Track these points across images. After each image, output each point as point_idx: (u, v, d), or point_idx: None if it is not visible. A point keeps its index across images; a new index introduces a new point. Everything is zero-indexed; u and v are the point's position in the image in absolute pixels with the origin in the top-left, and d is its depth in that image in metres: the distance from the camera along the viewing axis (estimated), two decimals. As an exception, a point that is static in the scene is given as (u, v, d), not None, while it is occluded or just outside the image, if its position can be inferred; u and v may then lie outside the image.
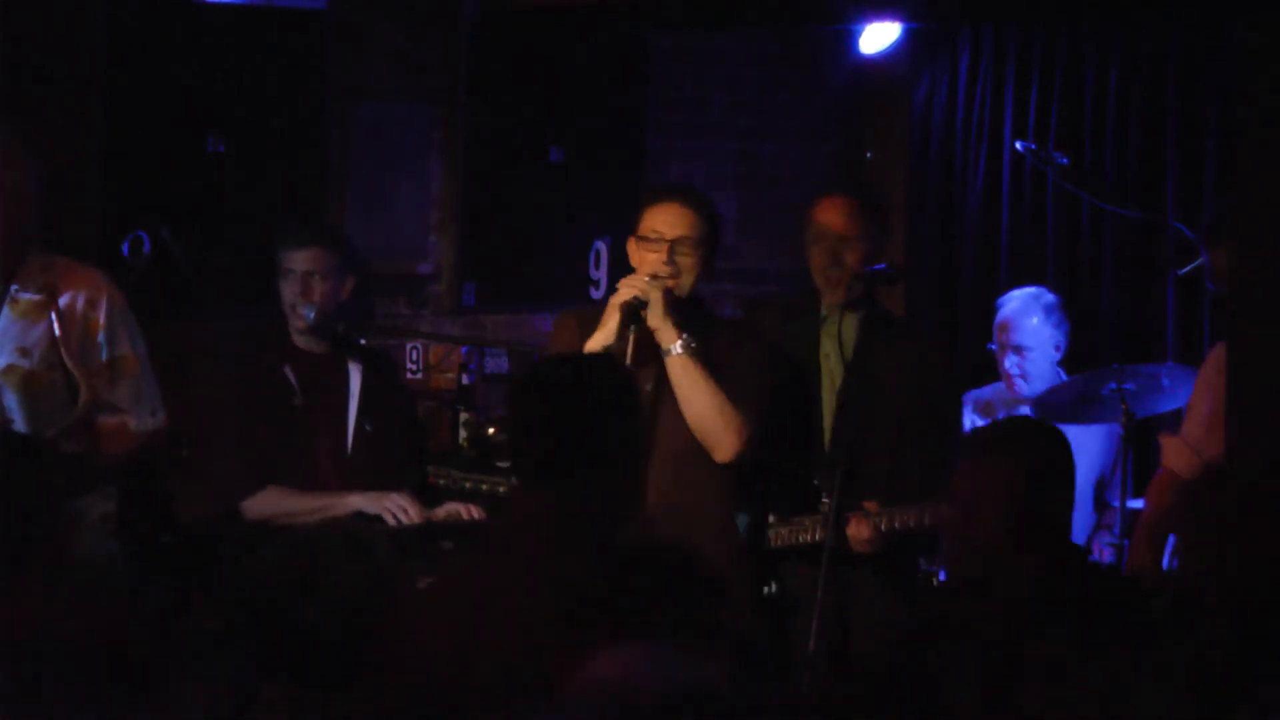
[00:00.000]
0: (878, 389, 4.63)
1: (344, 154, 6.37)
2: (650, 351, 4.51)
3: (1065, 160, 6.51)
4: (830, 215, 4.79)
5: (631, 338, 4.45)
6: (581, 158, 6.76)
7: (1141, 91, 6.86)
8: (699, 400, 4.47)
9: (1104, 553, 5.96)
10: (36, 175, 4.74)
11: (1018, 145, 6.68)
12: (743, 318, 4.97)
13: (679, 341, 4.46)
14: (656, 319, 4.46)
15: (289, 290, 5.37)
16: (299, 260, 5.38)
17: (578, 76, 6.75)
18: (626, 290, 4.50)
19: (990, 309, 6.40)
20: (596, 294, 6.77)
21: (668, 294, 4.49)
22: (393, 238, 6.45)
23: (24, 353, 4.68)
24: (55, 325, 4.63)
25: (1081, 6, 6.43)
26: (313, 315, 5.36)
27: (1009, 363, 6.19)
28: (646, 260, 4.56)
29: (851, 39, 7.03)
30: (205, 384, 5.49)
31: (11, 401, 4.67)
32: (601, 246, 6.84)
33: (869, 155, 7.40)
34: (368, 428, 5.36)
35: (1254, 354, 4.36)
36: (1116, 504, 5.82)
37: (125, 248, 5.66)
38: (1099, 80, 6.93)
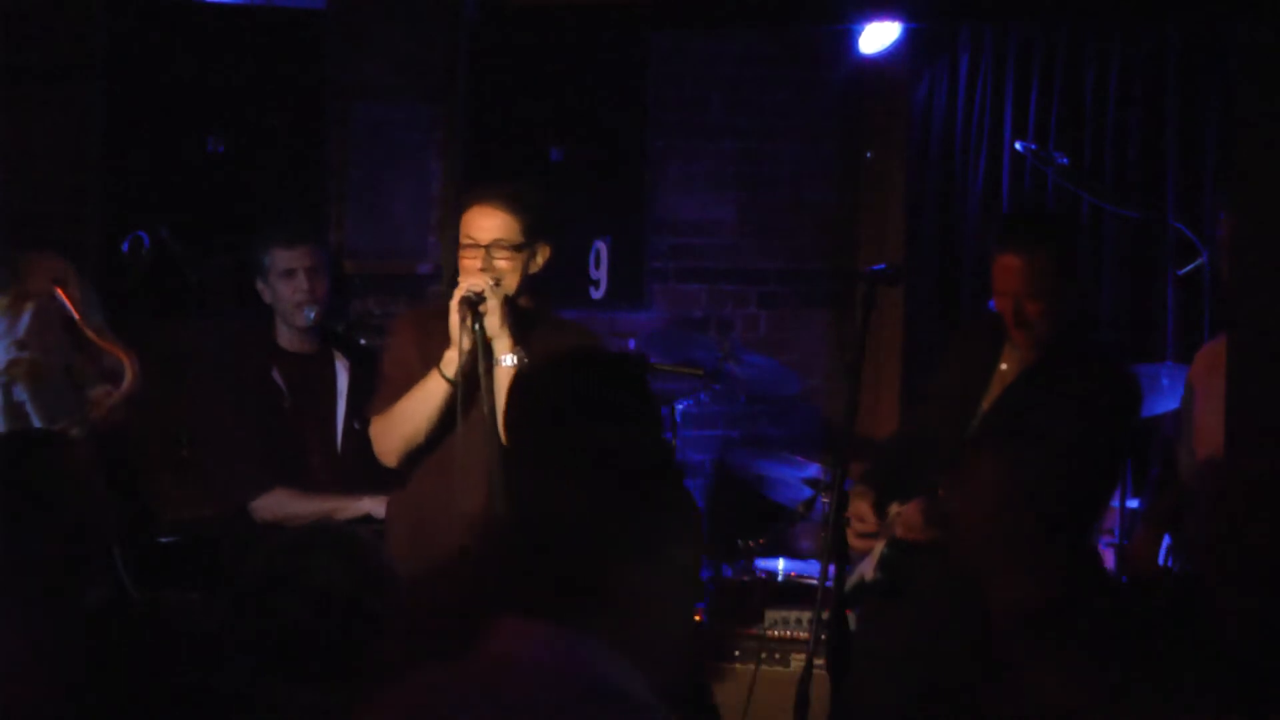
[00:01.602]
0: (1031, 414, 4.51)
1: (344, 154, 6.37)
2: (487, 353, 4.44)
3: (1065, 160, 6.51)
4: (1003, 273, 4.62)
5: (476, 338, 4.38)
6: (581, 158, 6.76)
7: (1141, 91, 6.87)
8: None
9: (1104, 554, 5.97)
10: None
11: (1018, 145, 6.69)
12: (573, 324, 4.84)
13: (511, 354, 4.41)
14: (494, 327, 4.40)
15: (292, 289, 5.36)
16: (296, 258, 5.38)
17: (578, 76, 6.75)
18: (464, 287, 4.43)
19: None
20: (596, 294, 6.78)
21: (506, 302, 4.42)
22: (393, 238, 6.45)
23: (21, 345, 4.69)
24: (64, 302, 4.64)
25: (1081, 6, 6.43)
26: (313, 314, 5.37)
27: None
28: (463, 267, 4.48)
29: (851, 39, 7.03)
30: (204, 384, 5.50)
31: (23, 395, 4.67)
32: (601, 246, 6.84)
33: (869, 155, 7.41)
34: (357, 426, 5.37)
35: (1255, 354, 4.36)
36: (1115, 504, 5.83)
37: (125, 248, 5.67)
38: (1099, 80, 6.93)
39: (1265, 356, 4.33)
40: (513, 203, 4.52)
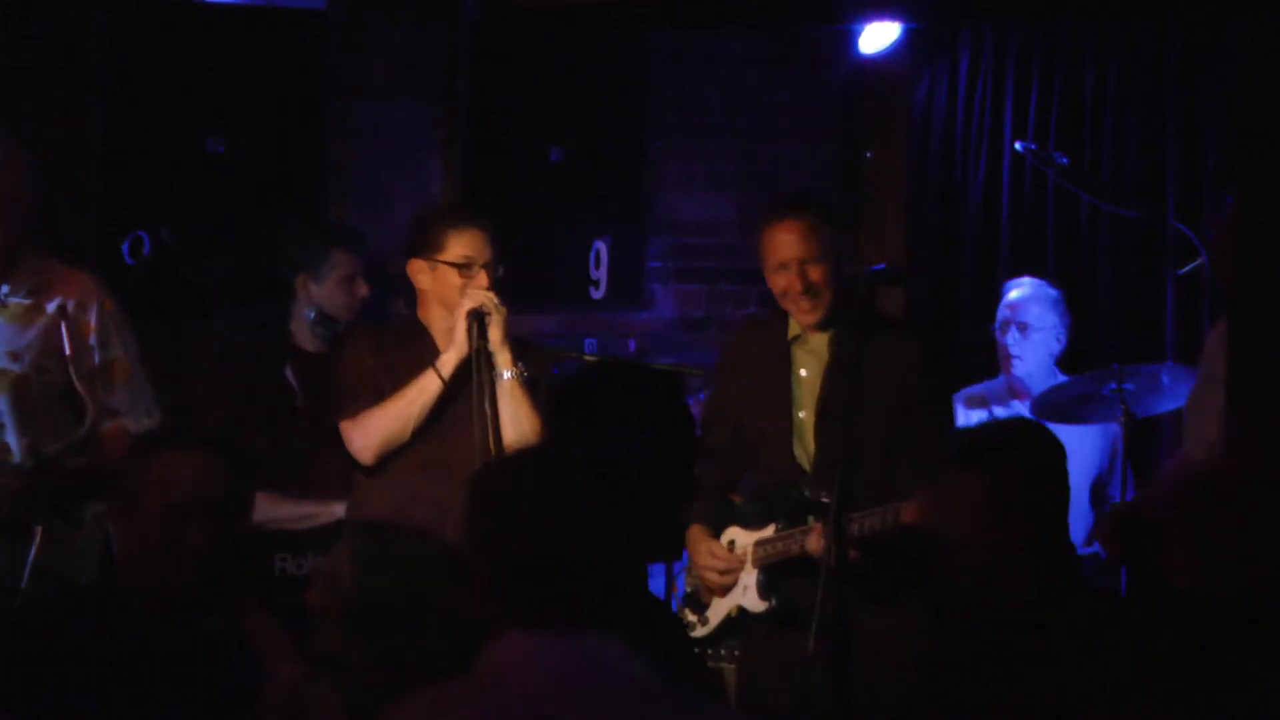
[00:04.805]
0: (861, 396, 4.45)
1: (344, 154, 6.37)
2: (487, 364, 4.68)
3: (1065, 160, 6.50)
4: (786, 239, 4.65)
5: (481, 347, 4.63)
6: (581, 158, 6.76)
7: (1141, 91, 6.87)
8: (522, 425, 4.66)
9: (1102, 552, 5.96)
10: (31, 178, 4.69)
11: (1018, 145, 6.68)
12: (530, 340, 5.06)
13: (512, 370, 4.67)
14: (496, 342, 4.65)
15: (351, 296, 5.41)
16: (356, 263, 5.46)
17: (578, 76, 6.75)
18: (472, 300, 4.65)
19: (989, 310, 6.38)
20: (596, 294, 6.78)
21: (507, 319, 4.67)
22: (393, 238, 6.44)
23: (14, 357, 4.62)
24: (63, 333, 4.59)
25: (1081, 6, 6.42)
26: (313, 314, 5.38)
27: (1010, 338, 6.16)
28: (457, 286, 4.69)
29: (851, 39, 7.03)
30: (201, 386, 5.50)
31: (1, 406, 4.62)
32: (601, 246, 6.84)
33: (869, 155, 7.41)
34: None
35: (1255, 357, 4.36)
36: (1116, 502, 5.82)
37: (125, 248, 5.66)
38: (1099, 80, 6.93)
39: (1265, 358, 4.32)
40: (492, 223, 4.78)
